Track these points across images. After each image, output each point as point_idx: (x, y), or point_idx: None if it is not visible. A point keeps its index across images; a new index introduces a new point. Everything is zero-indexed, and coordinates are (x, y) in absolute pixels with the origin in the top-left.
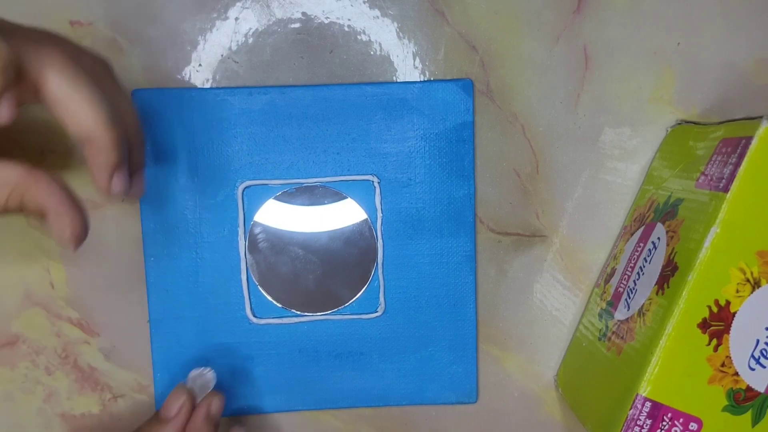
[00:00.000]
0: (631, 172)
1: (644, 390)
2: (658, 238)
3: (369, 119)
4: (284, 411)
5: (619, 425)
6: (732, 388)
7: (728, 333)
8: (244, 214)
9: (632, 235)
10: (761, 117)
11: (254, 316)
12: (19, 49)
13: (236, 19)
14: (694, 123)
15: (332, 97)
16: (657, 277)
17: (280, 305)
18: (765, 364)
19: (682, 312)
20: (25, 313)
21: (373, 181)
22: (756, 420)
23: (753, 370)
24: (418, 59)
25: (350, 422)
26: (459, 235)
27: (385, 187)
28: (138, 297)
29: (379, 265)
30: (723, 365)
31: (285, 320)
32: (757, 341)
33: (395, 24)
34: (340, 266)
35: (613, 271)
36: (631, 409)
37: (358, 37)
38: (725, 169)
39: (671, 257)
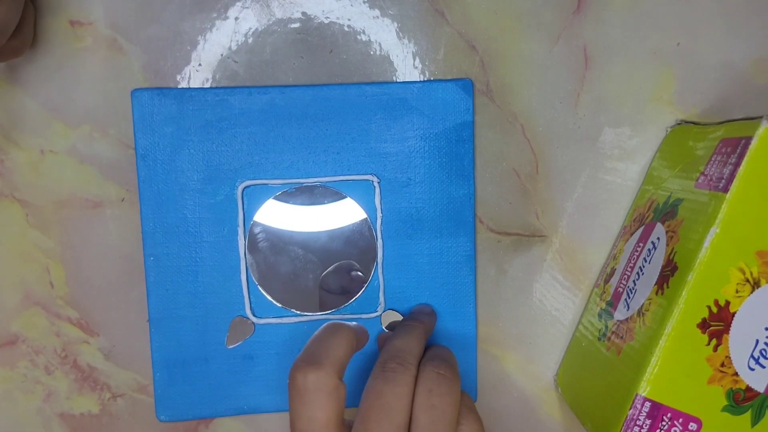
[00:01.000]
0: (631, 172)
1: (644, 390)
2: (658, 238)
3: (369, 119)
4: (284, 411)
5: (618, 425)
6: (731, 388)
7: (728, 333)
8: (243, 214)
9: (632, 235)
10: (761, 117)
11: (254, 315)
12: None
13: (236, 18)
14: (694, 123)
15: (332, 97)
16: (656, 277)
17: (280, 305)
18: (765, 364)
19: (681, 312)
20: (25, 312)
21: (372, 181)
22: (755, 420)
23: (752, 370)
24: (417, 59)
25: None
26: (459, 234)
27: (385, 187)
28: (138, 297)
29: (379, 265)
30: (722, 365)
31: (285, 320)
32: (757, 341)
33: (395, 24)
34: (340, 266)
35: (613, 271)
36: (630, 409)
37: (358, 36)
38: (725, 170)
39: (671, 257)
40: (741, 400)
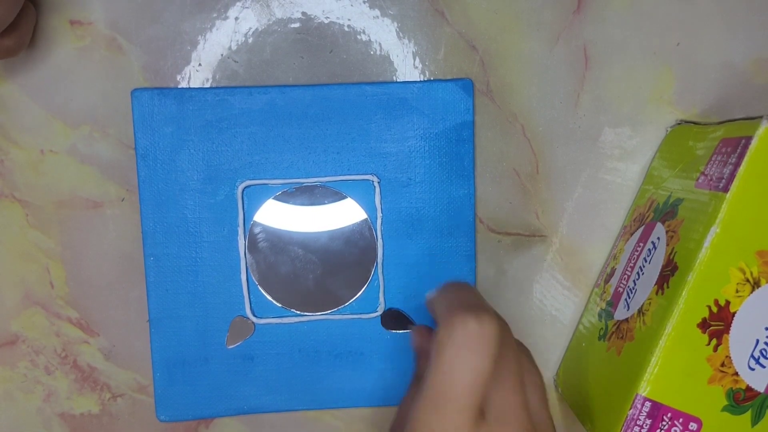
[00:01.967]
0: (631, 171)
1: (644, 390)
2: (658, 238)
3: (369, 119)
4: (284, 411)
5: (618, 425)
6: (732, 388)
7: (728, 333)
8: (243, 214)
9: (632, 235)
10: (761, 117)
11: (254, 315)
12: None
13: (236, 18)
14: (694, 123)
15: (332, 97)
16: (657, 277)
17: (280, 305)
18: (765, 364)
19: (681, 312)
20: (25, 312)
21: (372, 181)
22: (756, 420)
23: (753, 370)
24: (417, 59)
25: (350, 422)
26: (459, 234)
27: (385, 187)
28: (138, 297)
29: (379, 265)
30: (723, 365)
31: (285, 320)
32: (757, 341)
33: (395, 24)
34: (339, 266)
35: (613, 270)
36: (630, 408)
37: (358, 36)
38: (725, 169)
39: (671, 257)
40: (741, 399)
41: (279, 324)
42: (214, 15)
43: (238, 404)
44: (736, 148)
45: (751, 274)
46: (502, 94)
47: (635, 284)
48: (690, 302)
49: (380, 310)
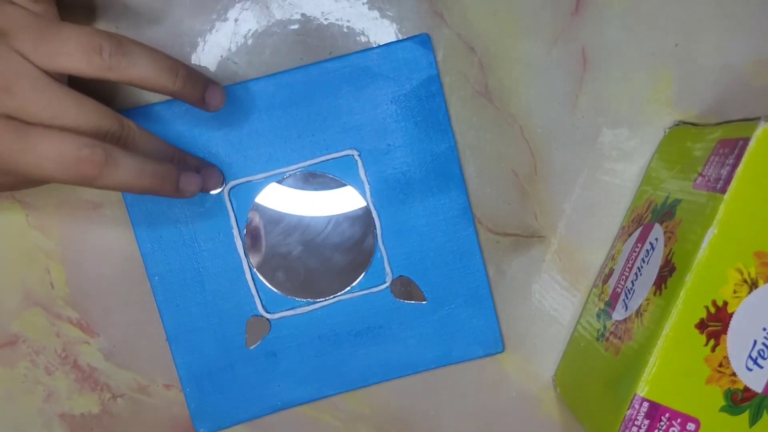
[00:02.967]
0: (629, 173)
1: (642, 390)
2: (656, 239)
3: (336, 95)
4: (318, 399)
5: (616, 425)
6: (729, 389)
7: (726, 333)
8: (235, 215)
9: (630, 235)
10: (759, 118)
11: (267, 312)
12: None
13: (235, 20)
14: (692, 124)
15: (295, 82)
16: (655, 277)
17: (290, 297)
18: (762, 365)
19: (679, 312)
20: (25, 313)
21: (353, 155)
22: (753, 420)
23: (750, 370)
24: None
25: (349, 422)
26: (449, 189)
27: (367, 159)
28: (138, 297)
29: (378, 236)
30: (720, 366)
31: (298, 310)
32: (755, 342)
33: (394, 25)
34: (341, 246)
35: (611, 271)
36: (628, 409)
37: (357, 38)
38: (723, 170)
39: (669, 258)
40: (739, 400)
41: (294, 315)
42: (214, 17)
43: (272, 402)
44: (734, 149)
45: (749, 274)
46: (501, 95)
47: (633, 285)
48: (688, 303)
49: (389, 281)
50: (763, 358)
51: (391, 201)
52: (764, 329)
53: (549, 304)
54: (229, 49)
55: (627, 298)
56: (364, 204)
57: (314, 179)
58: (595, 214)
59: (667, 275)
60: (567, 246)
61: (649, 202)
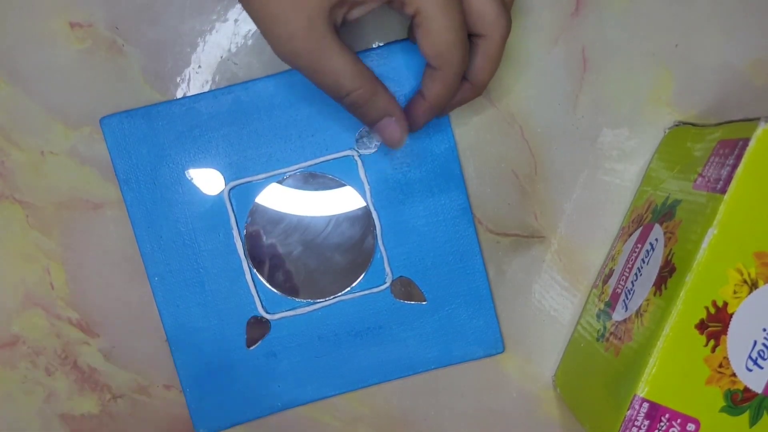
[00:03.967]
0: (629, 173)
1: (642, 391)
2: (656, 239)
3: None
4: (317, 400)
5: (617, 425)
6: (729, 389)
7: (726, 334)
8: (235, 216)
9: (630, 236)
10: (758, 119)
11: (267, 312)
12: None
13: (235, 21)
14: (692, 124)
15: (294, 82)
16: (655, 278)
17: (290, 297)
18: (762, 365)
19: (679, 313)
20: (25, 313)
21: (353, 156)
22: (753, 421)
23: (750, 371)
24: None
25: (349, 422)
26: (449, 189)
27: (367, 159)
28: (138, 298)
29: (378, 237)
30: (720, 366)
31: (298, 311)
32: (755, 342)
33: (395, 26)
34: (341, 247)
35: (611, 271)
36: (629, 409)
37: (358, 38)
38: (723, 171)
39: (669, 258)
40: (739, 400)
41: (294, 316)
42: (214, 17)
43: (272, 402)
44: (733, 149)
45: (749, 275)
46: (501, 95)
47: (633, 285)
48: (688, 303)
49: (388, 281)
50: (763, 359)
51: (391, 201)
52: (764, 330)
53: (549, 304)
54: (229, 50)
55: (627, 299)
56: (364, 204)
57: (314, 180)
58: (595, 214)
59: (667, 275)
60: (567, 246)
61: (649, 203)
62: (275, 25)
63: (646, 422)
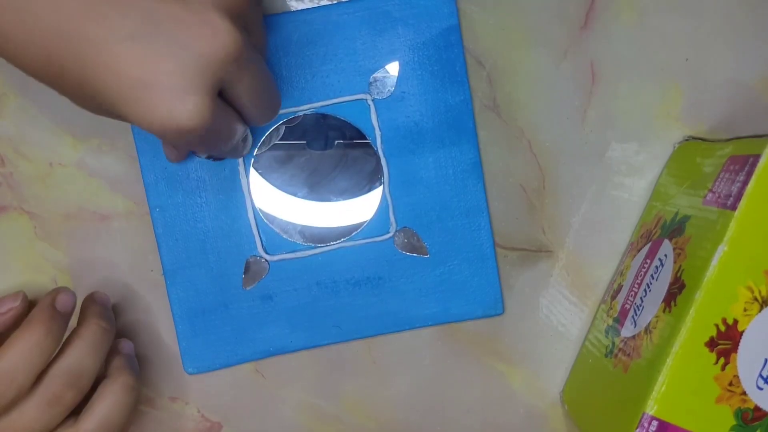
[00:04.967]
0: (638, 188)
1: (651, 408)
2: (665, 255)
3: (354, 37)
4: (310, 347)
5: None
6: (740, 408)
7: (736, 352)
8: None
9: (639, 251)
10: None
11: (267, 253)
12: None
13: None
14: (702, 139)
15: (313, 20)
16: (664, 294)
17: (291, 240)
18: None
19: (689, 330)
20: None
21: (366, 100)
22: None
23: (761, 389)
24: None
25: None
26: (461, 143)
27: (380, 104)
28: (144, 308)
29: (385, 185)
30: (731, 384)
31: (298, 254)
32: (765, 360)
33: None
34: (346, 192)
35: (620, 287)
36: (637, 427)
37: None
38: (733, 187)
39: (678, 275)
40: (749, 419)
41: (293, 259)
42: None
43: (263, 347)
44: (744, 165)
45: (760, 292)
46: (509, 109)
47: (642, 301)
48: (697, 320)
49: (392, 231)
50: None
51: (401, 150)
52: None
53: (557, 319)
54: None
55: (636, 315)
56: (374, 151)
57: (325, 121)
58: (603, 229)
59: (676, 292)
60: (575, 261)
61: (658, 218)
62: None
63: None
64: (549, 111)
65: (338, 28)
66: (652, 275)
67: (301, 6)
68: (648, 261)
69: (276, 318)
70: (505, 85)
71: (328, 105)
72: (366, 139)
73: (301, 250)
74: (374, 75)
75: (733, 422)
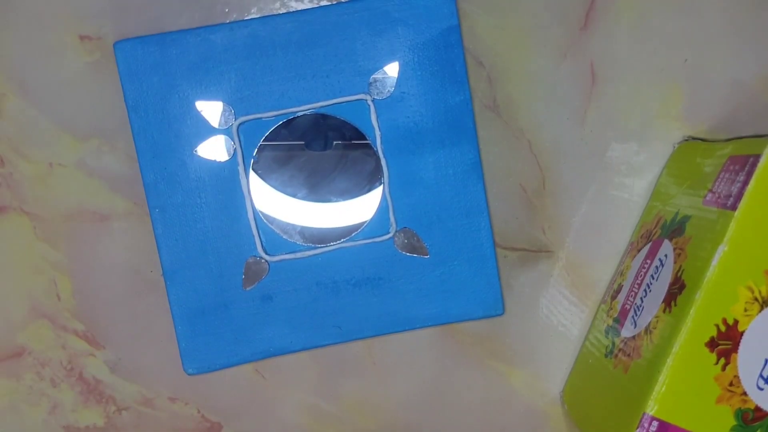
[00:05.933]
0: (638, 188)
1: (651, 409)
2: (665, 255)
3: (354, 37)
4: (310, 348)
5: None
6: (740, 408)
7: (736, 352)
8: (242, 151)
9: (639, 251)
10: None
11: (267, 254)
12: None
13: None
14: (702, 140)
15: (313, 20)
16: (664, 294)
17: (291, 240)
18: None
19: (689, 330)
20: (31, 324)
21: (366, 100)
22: None
23: (761, 390)
24: None
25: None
26: (461, 143)
27: (380, 105)
28: (144, 310)
29: (385, 185)
30: (731, 385)
31: (298, 255)
32: (766, 361)
33: None
34: (346, 192)
35: (620, 287)
36: (638, 427)
37: None
38: (733, 187)
39: (678, 275)
40: (750, 420)
41: (293, 260)
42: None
43: (263, 347)
44: (744, 165)
45: (760, 293)
46: (509, 109)
47: (642, 301)
48: (698, 321)
49: (392, 231)
50: None
51: (401, 150)
52: None
53: (557, 319)
54: None
55: (636, 315)
56: (374, 151)
57: (325, 121)
58: (603, 229)
59: (676, 292)
60: (575, 261)
61: (659, 218)
62: None
63: None
64: (549, 111)
65: (338, 28)
66: (652, 275)
67: (301, 6)
68: (648, 261)
69: (276, 318)
70: (505, 85)
71: (327, 105)
72: (366, 139)
73: (301, 250)
74: (374, 75)
75: (734, 422)
